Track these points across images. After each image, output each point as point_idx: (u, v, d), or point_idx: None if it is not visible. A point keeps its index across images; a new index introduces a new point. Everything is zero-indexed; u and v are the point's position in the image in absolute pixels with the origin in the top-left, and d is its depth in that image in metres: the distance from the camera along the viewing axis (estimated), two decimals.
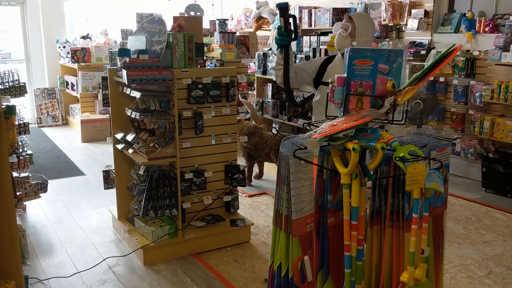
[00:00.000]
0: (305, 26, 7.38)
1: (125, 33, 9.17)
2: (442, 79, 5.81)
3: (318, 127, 1.78)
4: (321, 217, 1.82)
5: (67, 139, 7.66)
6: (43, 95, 8.61)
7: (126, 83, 3.27)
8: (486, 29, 5.44)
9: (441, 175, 1.58)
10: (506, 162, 5.07)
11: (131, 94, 3.41)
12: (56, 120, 8.63)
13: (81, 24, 9.27)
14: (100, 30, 8.32)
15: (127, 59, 3.55)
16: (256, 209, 4.75)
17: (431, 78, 5.86)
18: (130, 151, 3.67)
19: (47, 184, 4.19)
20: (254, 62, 7.92)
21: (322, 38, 6.67)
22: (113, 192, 4.31)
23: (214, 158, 3.88)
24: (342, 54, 3.34)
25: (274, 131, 5.82)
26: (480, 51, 5.40)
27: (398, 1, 6.29)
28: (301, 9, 7.70)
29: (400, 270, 1.77)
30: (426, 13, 6.02)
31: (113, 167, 4.16)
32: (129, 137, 3.71)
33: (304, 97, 5.38)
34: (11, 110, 3.53)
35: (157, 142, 3.52)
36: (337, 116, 1.78)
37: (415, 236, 1.60)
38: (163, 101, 3.49)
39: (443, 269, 1.99)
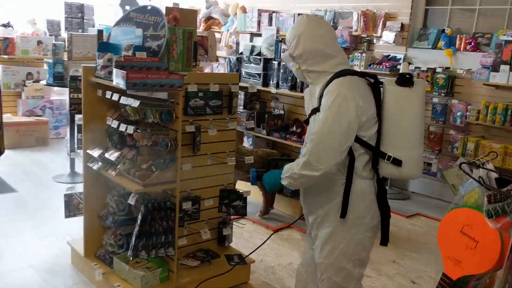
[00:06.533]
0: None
1: (51, 24, 8.00)
2: None
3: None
4: None
5: None
6: None
7: (124, 88, 2.49)
8: (468, 47, 5.29)
9: None
10: None
11: (126, 102, 2.63)
12: None
13: None
14: (28, 18, 7.13)
15: (116, 57, 2.78)
16: (239, 238, 4.09)
17: None
18: (112, 173, 2.87)
19: None
20: (218, 65, 7.24)
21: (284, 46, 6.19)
22: (61, 216, 3.40)
23: (209, 181, 3.20)
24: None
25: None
26: (462, 70, 5.23)
27: (371, 12, 5.99)
28: (260, 12, 7.17)
29: None
30: (402, 26, 5.77)
31: (75, 190, 3.32)
32: (111, 156, 2.90)
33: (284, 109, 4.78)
34: None
35: (153, 163, 2.76)
36: None
37: None
38: (164, 112, 2.76)
39: None
